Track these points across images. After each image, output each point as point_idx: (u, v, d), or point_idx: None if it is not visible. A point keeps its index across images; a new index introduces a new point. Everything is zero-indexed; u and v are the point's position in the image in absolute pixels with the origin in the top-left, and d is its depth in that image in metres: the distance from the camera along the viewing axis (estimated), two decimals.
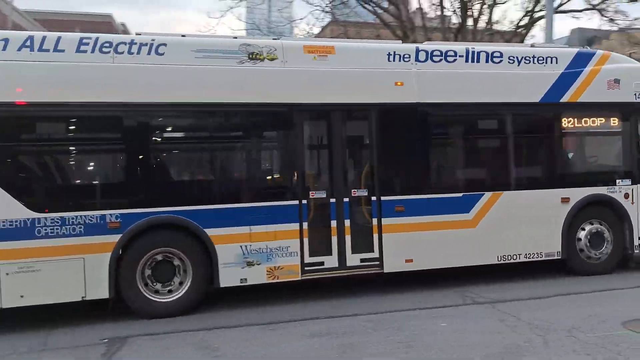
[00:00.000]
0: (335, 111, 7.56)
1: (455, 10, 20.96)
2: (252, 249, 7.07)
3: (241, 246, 7.03)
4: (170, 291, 6.93)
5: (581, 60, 8.69)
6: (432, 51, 8.03)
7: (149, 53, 6.92)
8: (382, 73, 7.74)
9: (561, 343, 5.53)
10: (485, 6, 21.10)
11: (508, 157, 8.25)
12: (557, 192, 8.35)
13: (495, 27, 22.06)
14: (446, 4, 25.48)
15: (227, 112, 7.16)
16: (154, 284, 6.87)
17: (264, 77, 7.26)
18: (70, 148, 6.74)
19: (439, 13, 20.91)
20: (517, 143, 8.29)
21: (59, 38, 6.66)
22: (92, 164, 6.93)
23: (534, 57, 8.47)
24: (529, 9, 21.91)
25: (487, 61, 8.25)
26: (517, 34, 21.85)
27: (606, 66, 8.73)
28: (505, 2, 39.57)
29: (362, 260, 7.57)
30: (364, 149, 7.76)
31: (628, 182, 8.66)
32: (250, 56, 7.29)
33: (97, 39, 6.79)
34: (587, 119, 8.64)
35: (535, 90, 8.32)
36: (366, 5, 20.94)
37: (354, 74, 7.61)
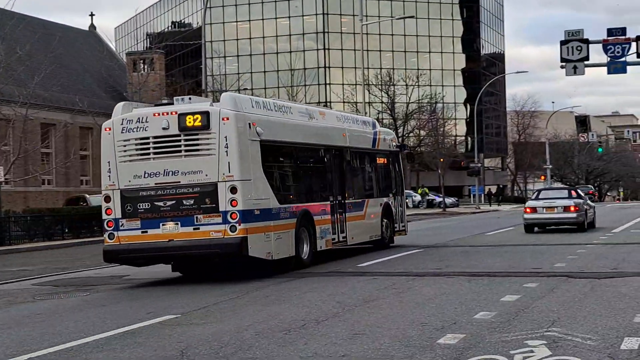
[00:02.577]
0: (334, 149, 20.08)
1: None
2: (322, 229, 18.51)
3: (320, 227, 18.38)
4: (300, 251, 17.79)
5: (374, 125, 23.25)
6: (347, 116, 22.99)
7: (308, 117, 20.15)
8: (339, 128, 20.83)
9: None
10: None
11: (371, 179, 22.20)
12: (379, 199, 22.11)
13: None
14: None
15: (336, 150, 20.47)
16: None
17: (313, 127, 19.89)
18: (282, 170, 18.48)
19: None
20: (371, 170, 22.06)
21: (290, 107, 19.63)
22: (286, 179, 18.46)
23: (372, 122, 23.47)
24: None
25: (361, 124, 22.61)
26: None
27: (379, 129, 23.33)
28: None
29: (342, 237, 19.64)
30: (342, 169, 20.34)
31: (392, 194, 23.34)
32: (310, 116, 20.03)
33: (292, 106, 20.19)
34: (380, 158, 22.59)
35: (370, 141, 22.19)
36: None
37: (334, 129, 20.64)
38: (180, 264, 17.69)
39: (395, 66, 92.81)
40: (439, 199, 70.31)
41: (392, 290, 13.90)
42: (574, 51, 40.80)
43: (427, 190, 75.11)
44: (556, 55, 40.62)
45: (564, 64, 41.55)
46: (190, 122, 15.82)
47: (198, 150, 16.03)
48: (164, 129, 15.92)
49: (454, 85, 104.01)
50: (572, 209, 28.55)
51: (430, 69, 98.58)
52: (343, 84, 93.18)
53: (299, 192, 18.72)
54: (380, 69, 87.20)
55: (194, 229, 15.76)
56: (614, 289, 13.05)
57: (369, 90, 77.52)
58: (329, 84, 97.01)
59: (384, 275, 16.57)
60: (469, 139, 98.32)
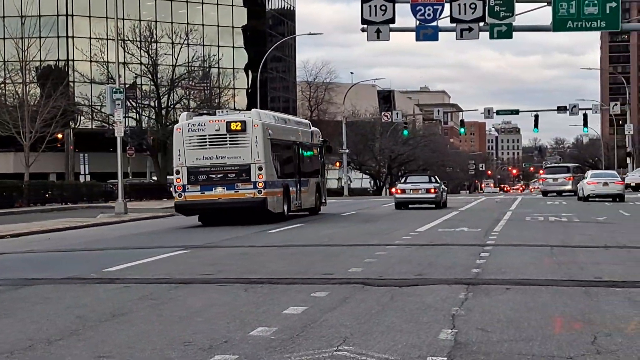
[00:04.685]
0: (296, 143, 41.91)
1: None
2: (292, 197, 39.63)
3: (291, 195, 39.40)
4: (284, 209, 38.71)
5: (310, 125, 47.09)
6: (294, 119, 49.06)
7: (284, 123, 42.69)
8: (296, 128, 43.35)
9: None
10: None
11: (310, 164, 44.57)
12: (314, 179, 44.10)
13: None
14: None
15: (296, 145, 42.60)
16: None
17: (287, 128, 42.38)
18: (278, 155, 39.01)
19: None
20: (310, 158, 44.68)
21: (277, 115, 43.11)
22: (279, 163, 38.31)
23: (308, 123, 48.32)
24: None
25: (304, 125, 45.93)
26: None
27: (313, 129, 46.24)
28: None
29: (299, 204, 41.08)
30: (299, 157, 42.48)
31: (319, 176, 45.64)
32: (284, 121, 43.12)
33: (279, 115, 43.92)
34: (314, 149, 45.28)
35: (309, 137, 44.68)
36: None
37: (295, 129, 43.05)
38: (215, 215, 35.44)
39: (159, 18, 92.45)
40: None
41: (149, 302, 13.88)
42: (377, 11, 42.43)
43: None
44: (356, 15, 41.75)
45: (365, 26, 43.12)
46: (234, 127, 33.81)
47: (238, 144, 34.02)
48: (216, 130, 33.95)
49: (233, 47, 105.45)
50: (432, 190, 45.94)
51: (203, 25, 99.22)
52: (90, 38, 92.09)
53: (284, 171, 37.20)
54: (140, 20, 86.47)
55: (235, 192, 33.91)
56: (418, 298, 13.60)
57: (124, 48, 76.76)
58: (72, 37, 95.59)
59: (138, 282, 16.48)
60: None
